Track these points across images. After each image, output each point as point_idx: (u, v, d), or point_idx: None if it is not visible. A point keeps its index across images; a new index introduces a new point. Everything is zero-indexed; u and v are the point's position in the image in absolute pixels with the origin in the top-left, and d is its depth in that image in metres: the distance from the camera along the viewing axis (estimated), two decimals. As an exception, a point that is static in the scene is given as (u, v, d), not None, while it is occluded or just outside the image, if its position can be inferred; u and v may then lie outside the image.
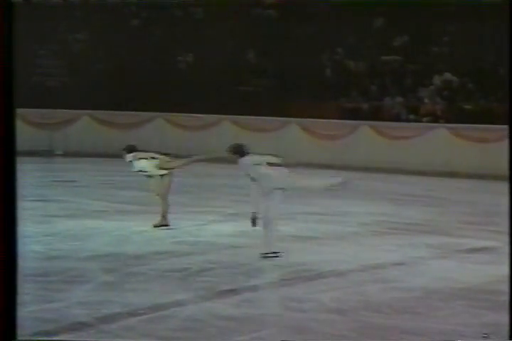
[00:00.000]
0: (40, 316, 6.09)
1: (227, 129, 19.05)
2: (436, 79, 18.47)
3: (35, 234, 9.21)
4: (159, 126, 19.63)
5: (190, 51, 21.01)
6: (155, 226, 9.52)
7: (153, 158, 9.60)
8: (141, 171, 9.58)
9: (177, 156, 10.05)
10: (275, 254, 8.16)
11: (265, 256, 8.14)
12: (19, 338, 3.39)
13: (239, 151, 8.33)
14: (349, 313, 6.37)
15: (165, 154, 9.81)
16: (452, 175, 15.80)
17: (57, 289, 6.91)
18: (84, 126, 19.92)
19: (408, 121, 18.16)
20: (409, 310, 6.51)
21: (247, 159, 8.31)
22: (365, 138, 17.96)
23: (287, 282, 7.40)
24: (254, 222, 8.17)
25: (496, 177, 13.67)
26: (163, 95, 19.40)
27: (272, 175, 8.11)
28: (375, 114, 18.49)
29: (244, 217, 10.78)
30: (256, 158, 8.30)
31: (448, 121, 17.39)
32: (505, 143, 13.23)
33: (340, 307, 6.51)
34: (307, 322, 6.13)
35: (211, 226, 10.06)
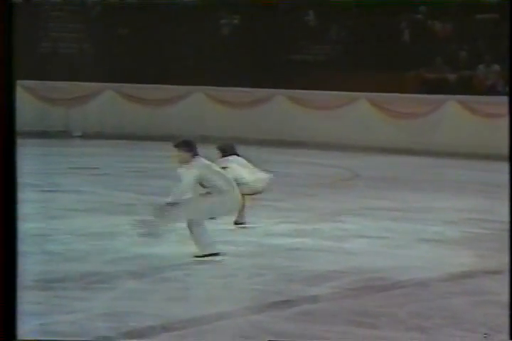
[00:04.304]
0: (55, 330, 6.17)
1: (280, 106, 19.05)
2: (543, 43, 18.17)
3: (48, 231, 9.36)
4: (198, 102, 19.74)
5: (236, 13, 21.01)
6: (235, 223, 9.78)
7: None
8: None
9: None
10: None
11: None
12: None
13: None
14: (432, 332, 6.34)
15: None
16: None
17: (75, 297, 7.00)
18: (107, 102, 20.12)
19: (506, 94, 17.91)
20: (507, 328, 6.43)
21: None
22: (451, 116, 17.80)
23: (355, 292, 7.40)
24: None
25: None
26: (202, 66, 19.46)
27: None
28: (465, 87, 18.29)
29: (301, 212, 10.83)
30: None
31: (556, 94, 17.11)
32: None
33: (421, 324, 6.48)
34: (380, 341, 6.13)
35: (261, 223, 10.10)
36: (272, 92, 19.17)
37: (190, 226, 8.26)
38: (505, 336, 6.26)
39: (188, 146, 8.32)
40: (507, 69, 18.23)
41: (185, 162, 8.26)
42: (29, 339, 5.21)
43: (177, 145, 8.33)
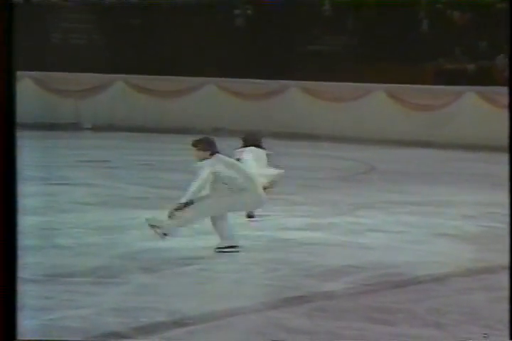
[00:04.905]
0: (65, 325, 6.18)
1: (295, 98, 19.01)
2: None
3: (58, 225, 9.37)
4: (210, 94, 19.71)
5: (249, 3, 20.99)
6: (248, 216, 9.84)
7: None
8: None
9: None
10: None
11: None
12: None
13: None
14: (450, 328, 6.32)
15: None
16: None
17: (85, 292, 7.00)
18: (118, 93, 20.12)
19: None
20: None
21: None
22: (470, 107, 17.72)
23: (371, 288, 7.39)
24: None
25: None
26: (215, 57, 19.44)
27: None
28: (484, 78, 18.19)
29: (316, 206, 10.81)
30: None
31: None
32: None
33: (439, 321, 6.46)
34: (397, 337, 6.10)
35: (275, 217, 10.09)
36: (286, 84, 19.12)
37: (213, 219, 8.37)
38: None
39: (204, 144, 8.38)
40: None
41: (201, 160, 8.31)
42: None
43: (194, 144, 8.40)
